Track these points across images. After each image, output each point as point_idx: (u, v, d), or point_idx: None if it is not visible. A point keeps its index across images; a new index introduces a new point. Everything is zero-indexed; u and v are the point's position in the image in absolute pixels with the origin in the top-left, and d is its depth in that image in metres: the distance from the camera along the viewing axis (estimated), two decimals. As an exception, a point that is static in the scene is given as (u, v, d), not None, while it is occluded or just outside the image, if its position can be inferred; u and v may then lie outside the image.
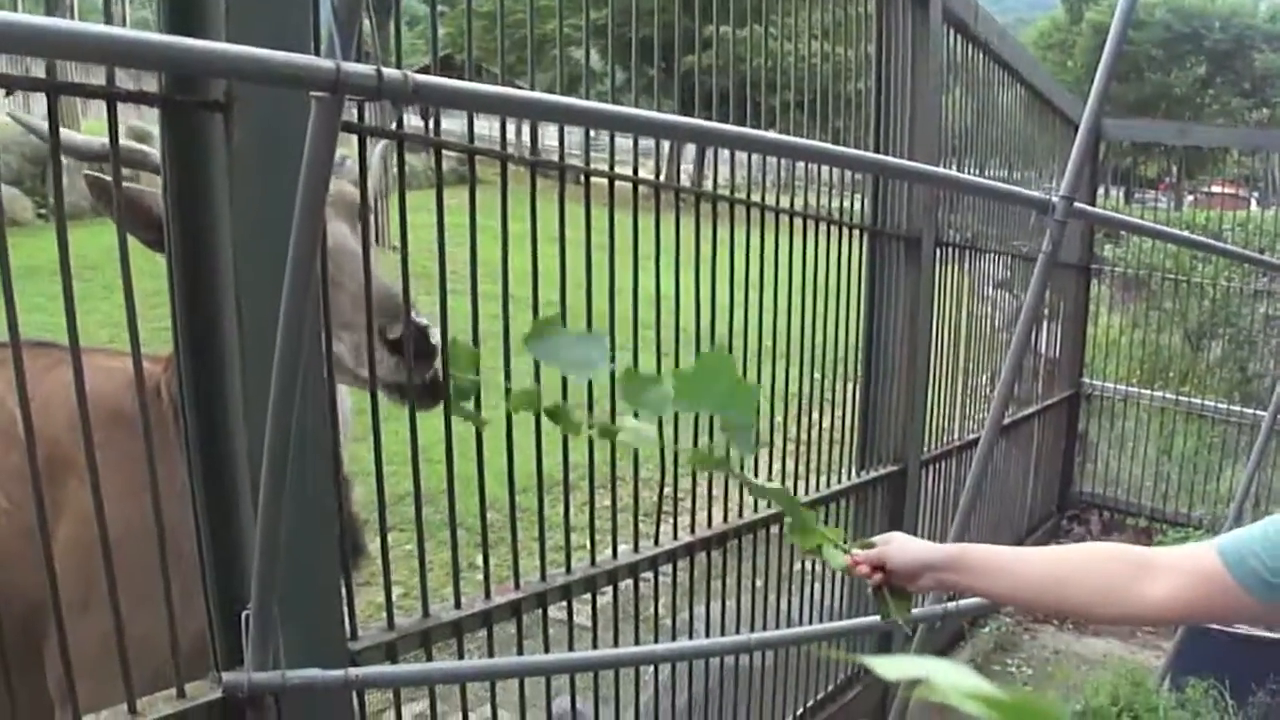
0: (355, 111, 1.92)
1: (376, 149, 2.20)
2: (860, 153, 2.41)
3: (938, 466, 4.44)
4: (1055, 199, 2.29)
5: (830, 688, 3.91)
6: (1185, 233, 3.43)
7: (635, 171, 2.59)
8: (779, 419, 3.40)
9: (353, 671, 1.64)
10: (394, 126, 1.99)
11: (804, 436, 3.51)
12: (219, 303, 1.63)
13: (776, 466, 3.47)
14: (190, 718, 1.64)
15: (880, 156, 2.88)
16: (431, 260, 2.05)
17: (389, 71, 1.20)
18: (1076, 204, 2.34)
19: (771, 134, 2.04)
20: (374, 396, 1.94)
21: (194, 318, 1.64)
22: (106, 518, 1.58)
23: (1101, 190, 7.31)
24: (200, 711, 1.65)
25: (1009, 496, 5.95)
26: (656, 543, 2.73)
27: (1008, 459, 5.78)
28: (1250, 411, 6.53)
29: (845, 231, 3.59)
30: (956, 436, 4.71)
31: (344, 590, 1.88)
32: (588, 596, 2.48)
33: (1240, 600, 1.42)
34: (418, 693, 3.23)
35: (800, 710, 3.74)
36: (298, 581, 1.68)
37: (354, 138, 1.94)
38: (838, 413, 3.82)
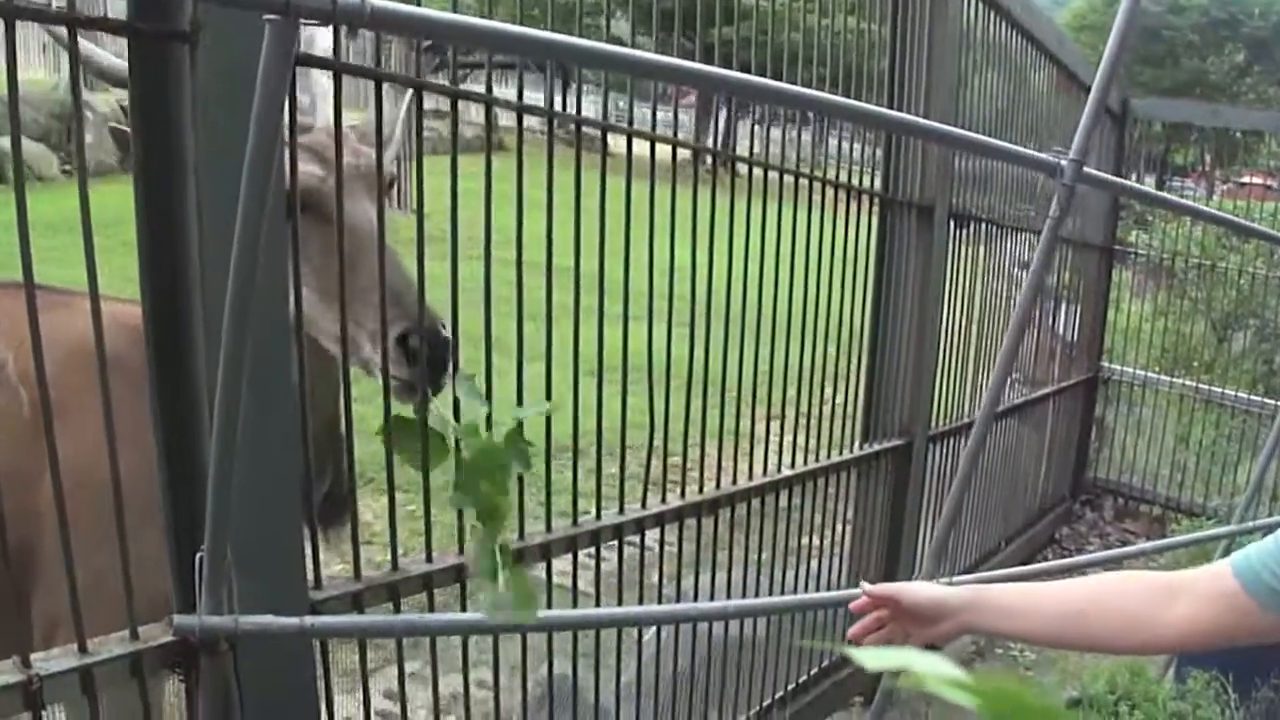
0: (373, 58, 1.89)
1: (401, 109, 2.16)
2: (868, 106, 2.34)
3: (947, 443, 4.38)
4: (1064, 162, 2.23)
5: (825, 663, 3.88)
6: (1204, 206, 3.36)
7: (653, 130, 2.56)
8: (791, 392, 3.35)
9: (308, 619, 1.60)
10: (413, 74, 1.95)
11: (811, 409, 3.47)
12: (184, 241, 1.59)
13: (789, 439, 3.43)
14: (144, 660, 1.61)
15: (884, 111, 2.80)
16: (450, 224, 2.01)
17: (342, -5, 1.15)
18: (1086, 169, 2.28)
19: (781, 84, 1.97)
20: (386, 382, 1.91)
21: (159, 255, 1.60)
22: (91, 463, 1.56)
23: (1134, 176, 7.20)
24: (154, 654, 1.62)
25: (1020, 478, 5.90)
26: (644, 506, 2.70)
27: (1020, 440, 5.73)
28: (1272, 403, 6.42)
29: (858, 199, 3.54)
30: (968, 414, 4.65)
31: (310, 541, 1.85)
32: (569, 556, 2.45)
33: (1260, 618, 1.40)
34: (416, 650, 3.23)
35: (793, 685, 3.72)
36: (257, 529, 1.66)
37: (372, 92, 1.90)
38: (849, 385, 3.77)
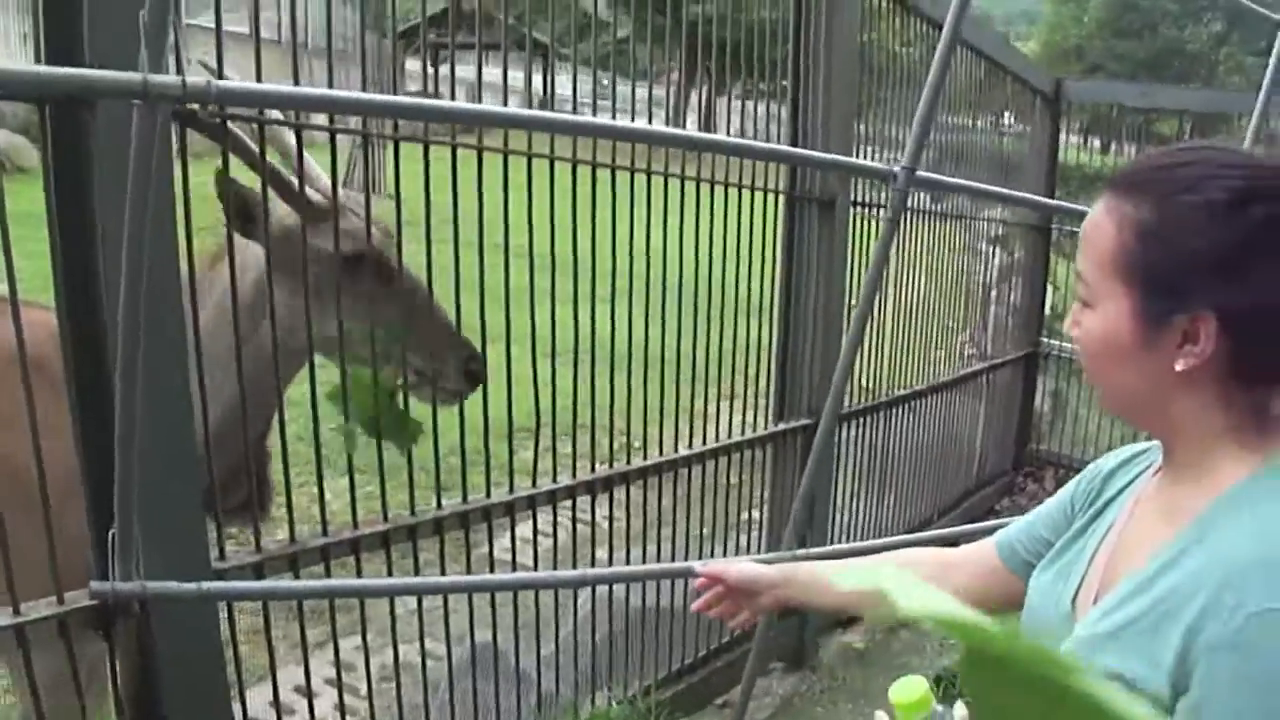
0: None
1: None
2: (724, 139, 2.64)
3: (859, 421, 4.66)
4: (897, 170, 2.51)
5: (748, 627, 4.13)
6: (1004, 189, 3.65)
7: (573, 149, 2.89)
8: (713, 371, 3.65)
9: (206, 584, 1.91)
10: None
11: (734, 389, 3.76)
12: (94, 267, 1.88)
13: (712, 409, 3.72)
14: (69, 620, 1.92)
15: (732, 140, 3.09)
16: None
17: (192, 80, 1.44)
18: (918, 173, 2.56)
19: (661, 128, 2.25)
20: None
21: (72, 283, 1.90)
22: (20, 457, 1.86)
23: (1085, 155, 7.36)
24: (76, 615, 1.93)
25: (959, 450, 6.14)
26: (534, 484, 2.97)
27: (955, 414, 5.96)
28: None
29: (765, 196, 3.81)
30: (886, 393, 4.92)
31: (214, 517, 2.15)
32: (460, 533, 2.73)
33: (1017, 585, 1.50)
34: (354, 624, 3.52)
35: (715, 645, 4.00)
36: (162, 511, 1.95)
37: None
38: (764, 366, 4.07)
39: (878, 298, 4.71)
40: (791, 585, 1.78)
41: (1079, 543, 1.40)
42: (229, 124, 2.04)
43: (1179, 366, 1.15)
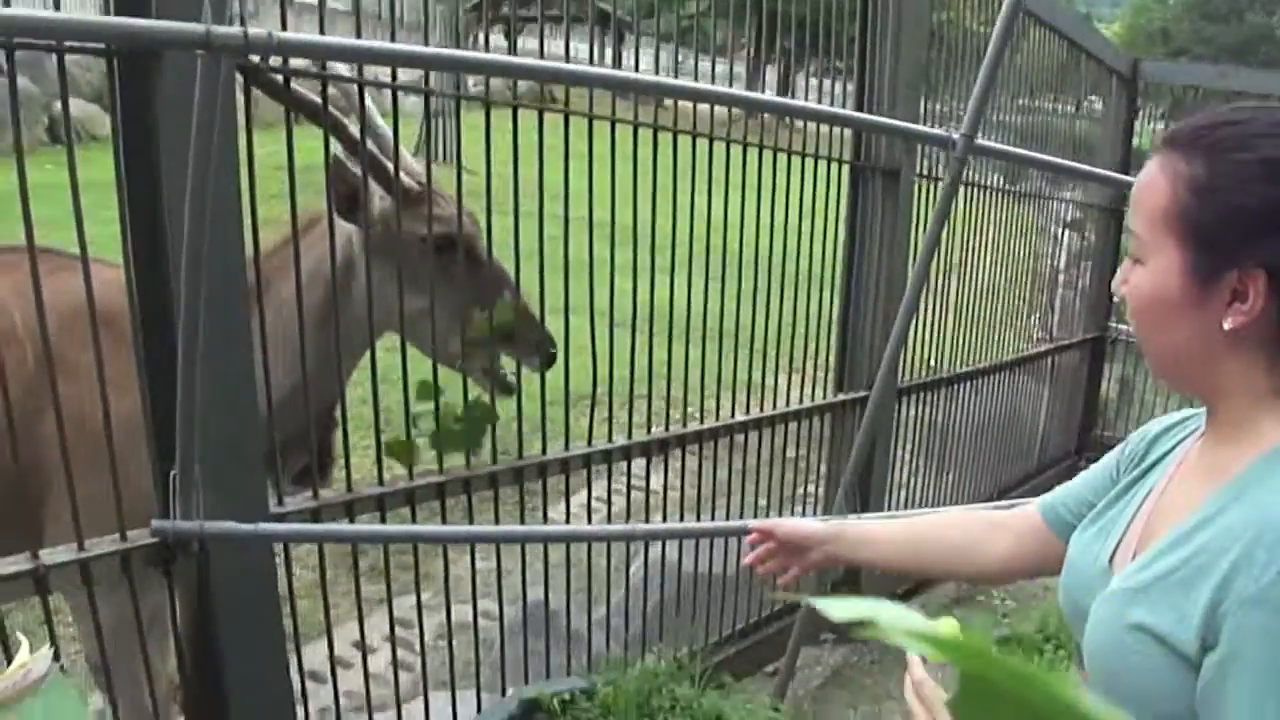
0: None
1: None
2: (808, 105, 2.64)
3: (920, 396, 4.65)
4: (956, 136, 2.51)
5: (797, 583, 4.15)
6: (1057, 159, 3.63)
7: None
8: (775, 343, 3.68)
9: (262, 526, 1.96)
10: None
11: (793, 360, 3.77)
12: (160, 225, 1.94)
13: (772, 380, 3.74)
14: (131, 557, 1.99)
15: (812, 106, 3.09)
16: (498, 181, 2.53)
17: (254, 31, 1.48)
18: (978, 141, 2.55)
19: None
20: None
21: (141, 246, 1.96)
22: (87, 406, 1.93)
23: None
24: (139, 553, 2.00)
25: (1021, 431, 6.09)
26: (589, 443, 3.00)
27: (1022, 393, 5.92)
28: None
29: (828, 166, 3.80)
30: (949, 369, 4.90)
31: (274, 481, 2.22)
32: (515, 488, 2.78)
33: (1060, 548, 1.49)
34: (426, 582, 3.58)
35: (766, 613, 4.03)
36: (222, 452, 2.01)
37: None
38: (826, 338, 4.07)
39: (946, 273, 4.72)
40: (840, 542, 1.79)
41: (1121, 503, 1.40)
42: (293, 82, 2.10)
43: (1227, 325, 1.15)
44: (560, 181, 2.63)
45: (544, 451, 2.83)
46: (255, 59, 2.02)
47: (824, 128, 3.70)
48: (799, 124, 3.73)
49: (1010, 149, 3.53)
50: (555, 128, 2.63)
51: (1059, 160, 3.96)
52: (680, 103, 2.86)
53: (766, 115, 3.37)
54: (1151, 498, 1.34)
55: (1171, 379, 1.30)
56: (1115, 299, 1.30)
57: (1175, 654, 1.13)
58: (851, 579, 4.39)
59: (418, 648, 2.78)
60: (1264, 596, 1.05)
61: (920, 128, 2.65)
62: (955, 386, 4.99)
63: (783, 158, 3.50)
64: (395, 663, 2.72)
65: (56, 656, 1.81)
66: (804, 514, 4.14)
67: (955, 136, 2.51)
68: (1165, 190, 1.19)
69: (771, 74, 5.84)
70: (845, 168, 3.95)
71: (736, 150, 3.22)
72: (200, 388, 1.79)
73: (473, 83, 4.01)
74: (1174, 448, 1.39)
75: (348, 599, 2.61)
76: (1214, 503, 1.18)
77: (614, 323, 2.87)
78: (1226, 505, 1.16)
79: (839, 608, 0.35)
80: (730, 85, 3.34)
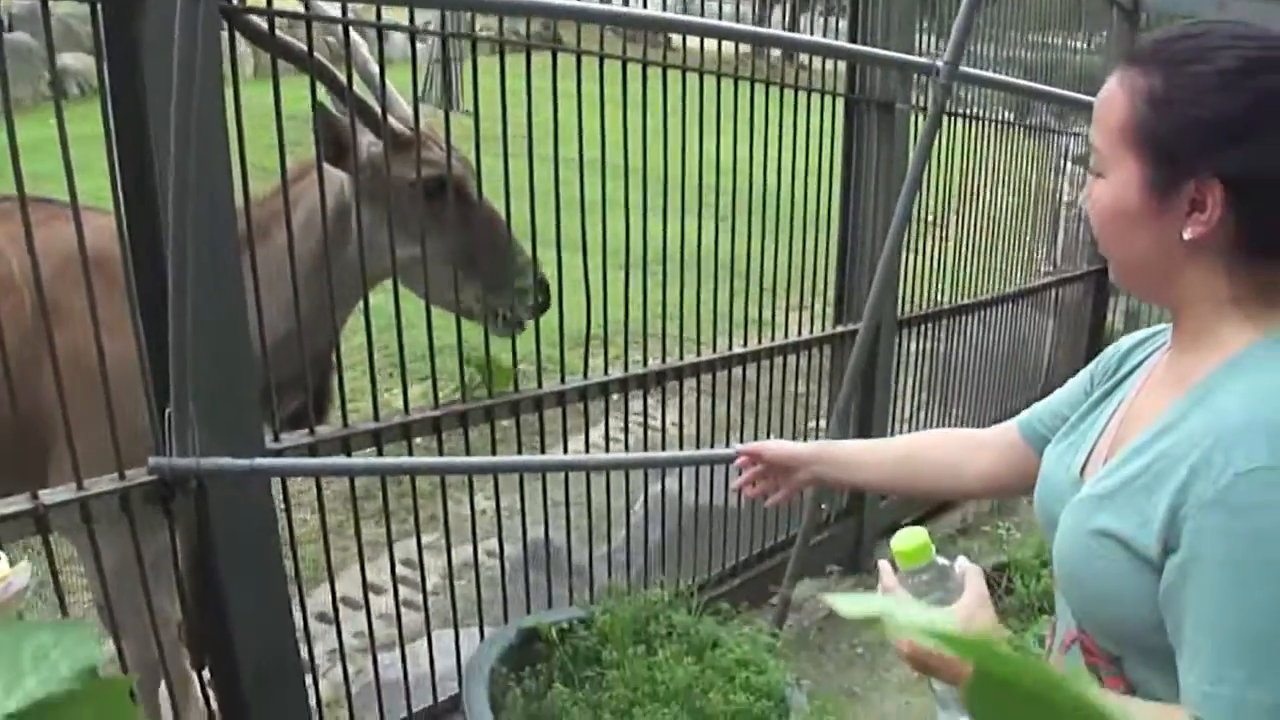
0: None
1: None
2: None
3: (921, 327, 4.64)
4: (939, 64, 2.50)
5: (793, 531, 4.18)
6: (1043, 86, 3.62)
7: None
8: (778, 279, 3.68)
9: (258, 461, 1.99)
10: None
11: (795, 298, 3.78)
12: (149, 168, 1.95)
13: (762, 314, 3.75)
14: (130, 495, 2.02)
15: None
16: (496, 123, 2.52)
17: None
18: (962, 69, 2.54)
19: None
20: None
21: (129, 180, 1.97)
22: (84, 349, 1.96)
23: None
24: (138, 491, 2.03)
25: (1026, 364, 6.07)
26: (585, 376, 3.00)
27: (1025, 327, 5.90)
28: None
29: (822, 99, 3.79)
30: (949, 301, 4.88)
31: (270, 420, 2.24)
32: (511, 421, 2.79)
33: (1037, 465, 1.51)
34: (432, 524, 3.61)
35: (771, 543, 4.06)
36: (216, 390, 2.04)
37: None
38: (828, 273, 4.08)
39: (947, 205, 4.70)
40: (826, 462, 1.83)
41: (1093, 415, 1.43)
42: (279, 28, 2.11)
43: (1187, 235, 1.17)
44: (567, 123, 2.64)
45: (539, 385, 2.85)
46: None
47: (829, 65, 3.70)
48: (804, 61, 3.73)
49: (993, 76, 3.52)
50: (552, 69, 2.66)
51: (1043, 87, 3.96)
52: (686, 45, 2.86)
53: (774, 54, 3.36)
54: (1122, 409, 1.37)
55: (1135, 289, 1.32)
56: (1064, 210, 1.32)
57: (1138, 558, 1.16)
58: (855, 507, 4.43)
59: (423, 588, 2.82)
60: (1221, 499, 1.08)
61: (903, 56, 2.65)
62: (959, 318, 4.99)
63: (785, 94, 3.50)
64: (398, 603, 2.75)
65: (61, 603, 1.85)
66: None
67: (938, 64, 2.50)
68: (1124, 104, 1.20)
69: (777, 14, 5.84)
70: (841, 101, 3.95)
71: (729, 87, 3.22)
72: (191, 324, 1.81)
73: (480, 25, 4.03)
74: (1145, 360, 1.42)
75: (355, 541, 2.64)
76: (1176, 410, 1.20)
77: (606, 262, 2.88)
78: (1188, 411, 1.18)
79: (852, 605, 0.34)
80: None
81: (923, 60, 2.49)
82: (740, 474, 1.93)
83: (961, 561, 1.42)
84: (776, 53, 3.62)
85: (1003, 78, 3.27)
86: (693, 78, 3.07)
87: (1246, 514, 1.07)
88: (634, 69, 2.85)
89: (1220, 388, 1.17)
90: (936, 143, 4.25)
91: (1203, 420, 1.15)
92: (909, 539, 1.35)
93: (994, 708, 0.31)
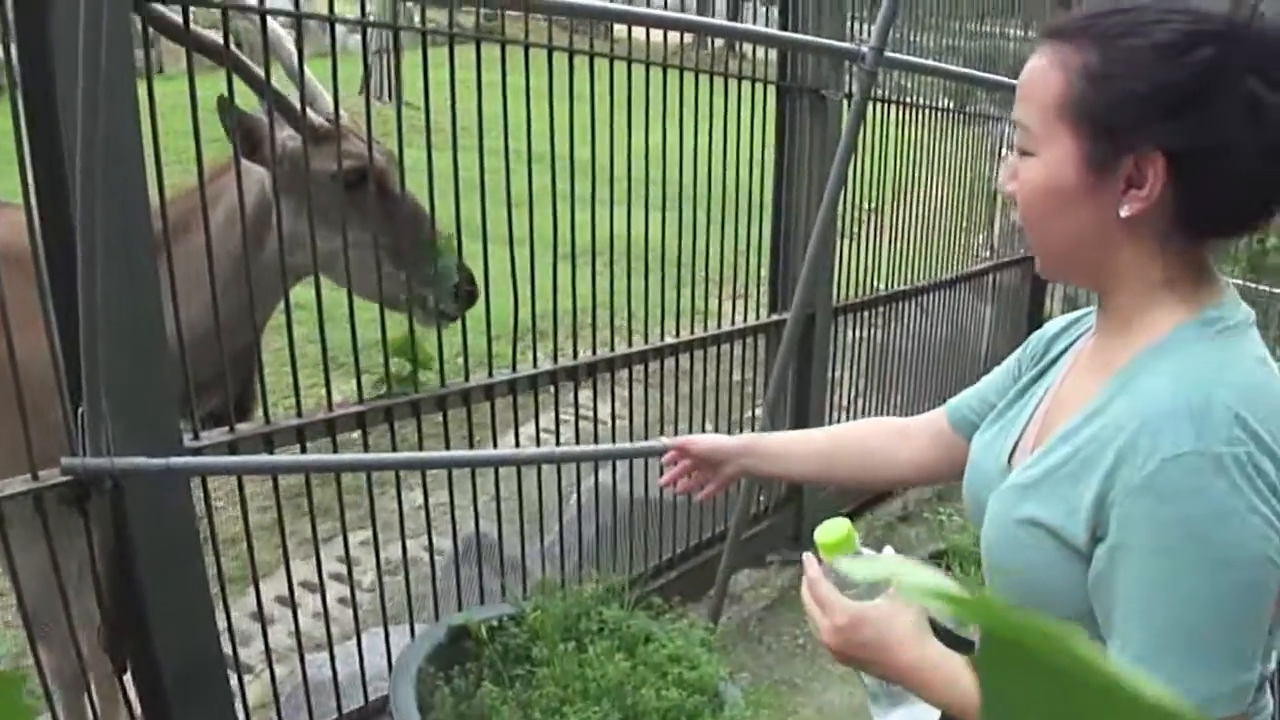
0: None
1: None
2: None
3: (858, 315, 4.65)
4: (865, 49, 2.49)
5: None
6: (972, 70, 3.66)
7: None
8: (715, 268, 3.68)
9: (174, 460, 1.95)
10: None
11: (724, 281, 3.77)
12: (62, 163, 1.91)
13: (699, 304, 3.74)
14: (43, 496, 1.97)
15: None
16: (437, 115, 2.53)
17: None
18: (887, 54, 2.54)
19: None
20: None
21: (41, 174, 1.92)
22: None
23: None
24: (51, 492, 1.98)
25: (965, 351, 6.10)
26: (514, 369, 2.98)
27: (963, 313, 5.93)
28: (1265, 288, 6.49)
29: (753, 86, 3.78)
30: (885, 287, 4.90)
31: (191, 398, 2.19)
32: (438, 415, 2.76)
33: (964, 450, 1.51)
34: (365, 519, 3.57)
35: (708, 535, 4.05)
36: (130, 387, 1.99)
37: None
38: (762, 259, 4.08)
39: (885, 192, 4.71)
40: (754, 455, 1.82)
41: (1020, 401, 1.43)
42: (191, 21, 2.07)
43: (1124, 211, 1.16)
44: (498, 115, 2.60)
45: (466, 379, 2.81)
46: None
47: (774, 54, 3.68)
48: (748, 52, 3.71)
49: (919, 60, 3.54)
50: (492, 63, 2.63)
51: (972, 71, 4.00)
52: (631, 36, 2.84)
53: (718, 44, 3.36)
54: (1048, 395, 1.37)
55: (1063, 271, 1.31)
56: (1002, 196, 1.31)
57: (1067, 546, 1.16)
58: (794, 496, 4.44)
59: (355, 587, 2.78)
60: (1148, 484, 1.07)
61: (828, 41, 2.64)
62: (897, 304, 5.00)
63: (718, 83, 3.49)
64: (325, 603, 2.72)
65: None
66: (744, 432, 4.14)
67: (864, 50, 2.49)
68: (1058, 80, 1.19)
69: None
70: (772, 89, 3.94)
71: (671, 77, 3.20)
72: (103, 321, 1.77)
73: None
74: (1071, 345, 1.41)
75: (291, 539, 2.60)
76: (1103, 394, 1.20)
77: (534, 252, 2.84)
78: (1114, 396, 1.18)
79: (861, 568, 0.35)
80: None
81: (847, 46, 2.48)
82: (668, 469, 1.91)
83: (888, 551, 1.41)
84: (720, 42, 3.59)
85: (929, 63, 3.28)
86: (637, 69, 3.06)
87: (1174, 500, 1.06)
88: (561, 59, 2.81)
89: (1145, 370, 1.17)
90: (875, 130, 4.28)
91: (1128, 404, 1.14)
92: (832, 530, 1.34)
93: (1003, 669, 0.30)
